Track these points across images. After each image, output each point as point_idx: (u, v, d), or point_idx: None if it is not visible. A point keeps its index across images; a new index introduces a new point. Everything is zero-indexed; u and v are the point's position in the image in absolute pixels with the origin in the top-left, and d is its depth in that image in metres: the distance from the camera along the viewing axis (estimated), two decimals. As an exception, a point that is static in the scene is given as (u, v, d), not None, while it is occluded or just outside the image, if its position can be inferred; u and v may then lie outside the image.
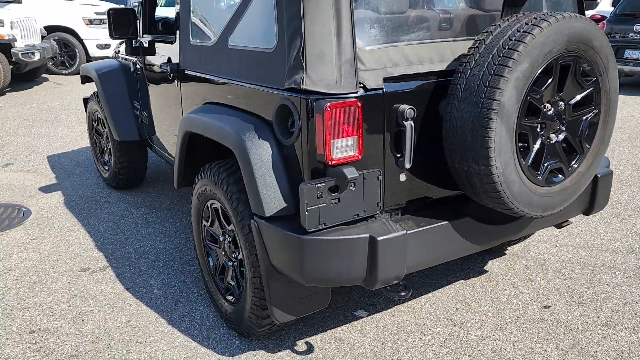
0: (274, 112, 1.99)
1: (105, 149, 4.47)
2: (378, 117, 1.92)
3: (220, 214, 2.45)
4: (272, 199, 2.00)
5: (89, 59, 10.56)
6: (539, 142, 1.99)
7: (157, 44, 3.26)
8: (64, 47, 10.30)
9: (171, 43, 2.93)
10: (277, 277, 2.09)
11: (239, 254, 2.39)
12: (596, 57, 1.98)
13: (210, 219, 2.59)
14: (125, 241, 3.56)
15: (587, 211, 2.55)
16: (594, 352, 2.42)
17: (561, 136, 2.04)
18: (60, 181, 4.72)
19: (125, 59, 4.04)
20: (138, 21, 3.40)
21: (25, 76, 9.35)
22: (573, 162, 2.09)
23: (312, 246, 1.88)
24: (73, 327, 2.64)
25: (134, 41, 3.46)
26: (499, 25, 1.91)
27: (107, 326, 2.64)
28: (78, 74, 10.57)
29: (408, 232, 1.95)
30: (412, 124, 1.92)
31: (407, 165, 1.97)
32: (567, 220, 2.61)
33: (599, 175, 2.47)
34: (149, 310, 2.78)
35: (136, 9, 3.48)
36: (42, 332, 2.61)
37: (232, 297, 2.53)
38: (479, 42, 1.92)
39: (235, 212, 2.22)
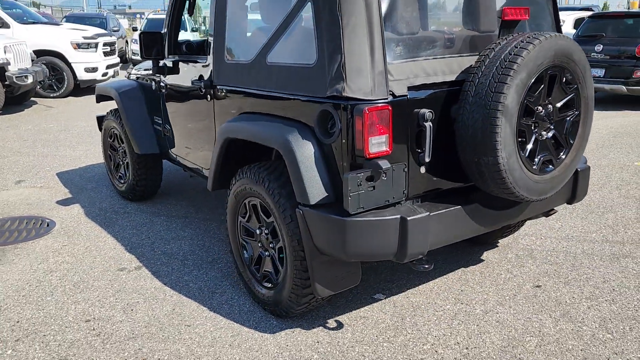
0: (316, 117, 2.38)
1: (122, 163, 4.77)
2: (403, 119, 2.33)
3: (259, 209, 2.81)
4: (316, 189, 2.38)
5: (76, 82, 10.81)
6: (533, 137, 2.42)
7: (181, 64, 3.63)
8: (52, 70, 10.52)
9: (203, 62, 3.30)
10: (319, 257, 2.46)
11: (278, 242, 2.74)
12: (576, 68, 2.45)
13: (247, 215, 2.94)
14: (152, 245, 3.86)
15: (570, 200, 3.00)
16: (581, 319, 2.85)
17: (550, 133, 2.49)
18: (75, 195, 4.98)
19: (143, 78, 4.37)
20: (164, 43, 3.75)
21: (15, 99, 9.53)
22: (560, 154, 2.54)
23: (354, 226, 2.26)
24: (124, 315, 2.94)
25: (160, 61, 3.80)
26: (499, 43, 2.36)
27: (155, 314, 2.95)
28: (66, 96, 10.83)
29: (430, 214, 2.35)
30: (431, 125, 2.34)
31: (427, 160, 2.38)
32: (554, 209, 3.05)
33: (579, 170, 2.92)
34: (189, 300, 3.09)
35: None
36: (97, 320, 2.90)
37: (269, 284, 2.88)
38: (483, 56, 2.36)
39: (277, 205, 2.58)
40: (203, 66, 3.30)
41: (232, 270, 3.45)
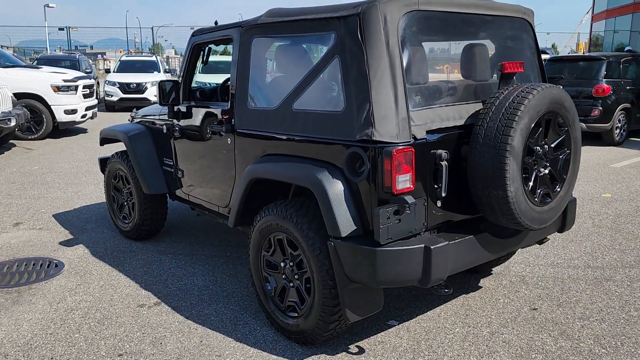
0: (345, 158, 2.66)
1: (126, 204, 4.92)
2: (423, 158, 2.63)
3: (285, 243, 3.04)
4: (346, 223, 2.64)
5: (54, 124, 10.85)
6: (534, 174, 2.77)
7: (197, 109, 3.88)
8: (31, 113, 10.54)
9: (224, 107, 3.56)
10: (349, 285, 2.70)
11: (304, 274, 2.97)
12: (567, 114, 2.82)
13: (272, 249, 3.16)
14: (165, 281, 4.01)
15: (561, 229, 3.34)
16: (577, 337, 3.15)
17: (547, 170, 2.84)
18: (76, 236, 5.08)
19: (152, 122, 4.59)
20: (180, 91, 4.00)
21: (-6, 142, 9.50)
22: (556, 187, 2.89)
23: (384, 255, 2.53)
24: (154, 348, 3.08)
25: (175, 107, 4.04)
26: (502, 92, 2.72)
27: (184, 346, 3.10)
28: (44, 138, 10.83)
29: (449, 243, 2.64)
30: (446, 164, 2.65)
31: (444, 194, 2.68)
32: (547, 237, 3.39)
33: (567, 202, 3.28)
34: (214, 332, 3.25)
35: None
36: (130, 354, 3.02)
37: (294, 313, 3.08)
38: (489, 104, 2.70)
39: (306, 239, 2.82)
40: (223, 111, 3.56)
41: (249, 303, 3.63)
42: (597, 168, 7.96)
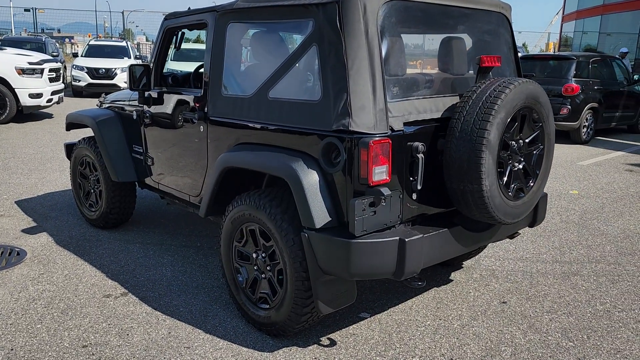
0: (321, 148, 2.62)
1: (92, 191, 4.77)
2: (400, 150, 2.61)
3: (258, 234, 2.99)
4: (320, 214, 2.60)
5: (18, 108, 10.49)
6: (508, 168, 2.77)
7: (168, 95, 3.77)
8: (-7, 96, 10.17)
9: (197, 94, 3.47)
10: (322, 277, 2.66)
11: (277, 265, 2.92)
12: (542, 109, 2.84)
13: (244, 240, 3.10)
14: (133, 272, 3.91)
15: (532, 224, 3.38)
16: (545, 330, 3.19)
17: (521, 165, 2.85)
18: (40, 223, 4.91)
19: (121, 108, 4.46)
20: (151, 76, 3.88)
21: (-46, 125, 9.13)
22: (529, 182, 2.91)
23: (358, 248, 2.50)
24: (121, 340, 2.99)
25: (145, 92, 3.92)
26: (479, 86, 2.71)
27: (151, 337, 3.02)
28: (7, 122, 10.46)
29: (424, 236, 2.63)
30: (423, 156, 2.63)
31: (419, 187, 2.67)
32: (518, 232, 3.42)
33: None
34: (183, 323, 3.18)
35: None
36: (95, 345, 2.93)
37: (266, 305, 3.04)
38: (466, 98, 2.69)
39: (279, 229, 2.77)
40: (196, 98, 3.47)
41: (219, 294, 3.57)
42: (565, 165, 8.12)
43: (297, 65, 2.81)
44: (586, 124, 10.31)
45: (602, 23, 22.01)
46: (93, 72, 15.90)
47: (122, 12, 36.95)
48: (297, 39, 2.85)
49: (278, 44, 3.09)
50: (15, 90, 10.30)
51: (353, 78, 2.53)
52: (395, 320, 3.28)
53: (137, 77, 3.77)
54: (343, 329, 3.16)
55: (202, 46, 19.43)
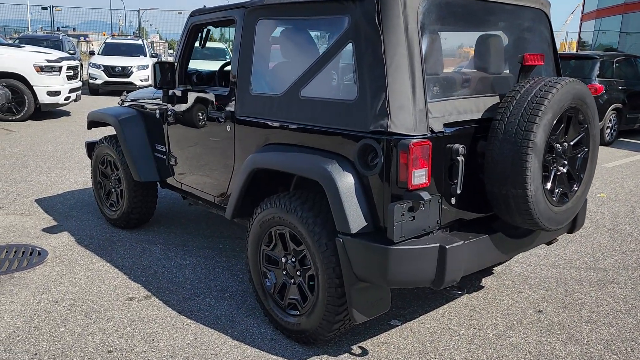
0: (357, 150, 2.51)
1: (114, 191, 4.70)
2: (440, 153, 2.49)
3: (288, 238, 2.88)
4: (356, 219, 2.49)
5: (36, 105, 10.50)
6: (553, 172, 2.64)
7: (193, 94, 3.69)
8: (12, 93, 10.18)
9: (223, 93, 3.37)
10: (357, 284, 2.55)
11: (308, 270, 2.81)
12: (588, 110, 2.70)
13: (272, 243, 3.00)
14: (156, 274, 3.83)
15: (571, 230, 3.24)
16: (586, 342, 3.05)
17: (565, 168, 2.71)
18: (61, 223, 4.85)
19: (142, 106, 4.38)
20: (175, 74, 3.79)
21: (-26, 122, 9.15)
22: (573, 187, 2.77)
23: (397, 254, 2.38)
24: (147, 345, 2.91)
25: (169, 91, 3.83)
26: (523, 86, 2.58)
27: (177, 343, 2.93)
28: (26, 120, 10.48)
29: (464, 242, 2.51)
30: (463, 159, 2.51)
31: (459, 191, 2.54)
32: (556, 238, 3.28)
33: (579, 202, 3.17)
34: (209, 329, 3.09)
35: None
36: (120, 351, 2.85)
37: (295, 311, 2.93)
38: (509, 97, 2.57)
39: (311, 234, 2.67)
40: (223, 97, 3.37)
41: (245, 298, 3.47)
42: (590, 167, 7.92)
43: (331, 63, 2.69)
44: (610, 125, 10.09)
45: (623, 22, 21.62)
46: (109, 70, 15.94)
47: (138, 11, 37.08)
48: (331, 35, 2.74)
49: (310, 41, 2.98)
50: (34, 87, 10.31)
51: (392, 76, 2.41)
52: (428, 328, 3.16)
53: (162, 75, 3.69)
54: (374, 337, 3.05)
55: (215, 45, 19.41)
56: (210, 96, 3.51)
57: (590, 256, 4.35)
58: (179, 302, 3.40)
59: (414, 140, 2.35)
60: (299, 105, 2.83)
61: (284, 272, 2.99)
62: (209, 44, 15.24)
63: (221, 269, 3.94)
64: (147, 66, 16.55)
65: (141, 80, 16.22)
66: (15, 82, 10.16)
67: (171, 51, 64.31)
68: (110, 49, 17.37)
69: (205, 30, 3.88)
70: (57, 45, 16.71)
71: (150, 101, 4.29)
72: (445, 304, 3.46)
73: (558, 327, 3.20)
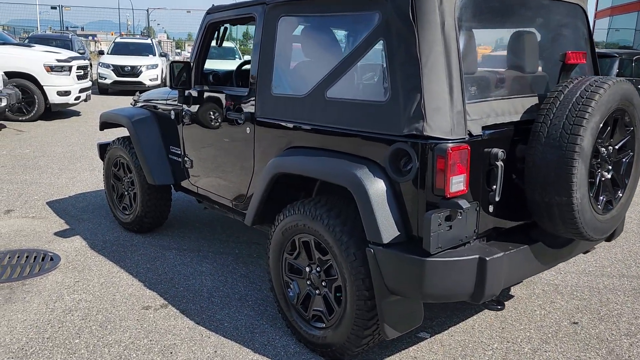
0: (388, 154, 2.35)
1: (126, 194, 4.58)
2: (478, 158, 2.33)
3: (313, 247, 2.73)
4: (388, 228, 2.33)
5: (46, 105, 10.42)
6: (597, 178, 2.48)
7: (211, 94, 3.54)
8: (22, 93, 10.10)
9: (242, 93, 3.23)
10: (389, 297, 2.40)
11: (334, 281, 2.66)
12: (634, 112, 2.53)
13: (296, 252, 2.85)
14: (171, 281, 3.69)
15: (610, 238, 3.06)
16: (627, 356, 2.88)
17: (610, 174, 2.55)
18: (72, 226, 4.73)
19: (155, 107, 4.25)
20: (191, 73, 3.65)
21: (-16, 123, 9.08)
22: (618, 193, 2.60)
23: (433, 267, 2.23)
24: (164, 359, 2.77)
25: (185, 91, 3.69)
26: (566, 86, 2.42)
27: (197, 357, 2.79)
28: (36, 120, 10.40)
29: (505, 253, 2.35)
30: (502, 164, 2.35)
31: (497, 198, 2.38)
32: (593, 247, 3.11)
33: (618, 208, 3.00)
34: (229, 341, 2.95)
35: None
36: (137, 365, 2.71)
37: (320, 323, 2.78)
38: (552, 99, 2.40)
39: (338, 243, 2.52)
40: (242, 97, 3.23)
41: (264, 307, 3.33)
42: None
43: (359, 62, 2.54)
44: (629, 124, 9.84)
45: (639, 20, 21.28)
46: (119, 70, 15.87)
47: (147, 10, 37.08)
48: (359, 33, 2.58)
49: (335, 39, 2.83)
50: (44, 87, 10.24)
51: (427, 76, 2.25)
52: (459, 341, 3.00)
53: (177, 75, 3.55)
54: (403, 351, 2.89)
55: (226, 44, 19.27)
56: (229, 97, 3.37)
57: (622, 263, 4.17)
58: (196, 312, 3.26)
59: (452, 145, 2.20)
60: (324, 107, 2.68)
61: (307, 282, 2.84)
62: (226, 44, 15.12)
63: (239, 276, 3.80)
64: (157, 65, 16.47)
65: (150, 80, 16.14)
66: (25, 81, 10.08)
67: (179, 50, 64.37)
68: (119, 49, 17.30)
69: (222, 28, 3.73)
70: (66, 44, 16.64)
71: (164, 102, 4.15)
72: (474, 314, 3.30)
73: (596, 341, 3.03)
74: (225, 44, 18.37)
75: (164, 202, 4.42)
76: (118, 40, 18.48)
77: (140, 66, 16.00)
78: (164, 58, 18.60)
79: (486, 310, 3.35)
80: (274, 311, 3.27)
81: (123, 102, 14.08)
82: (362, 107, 2.50)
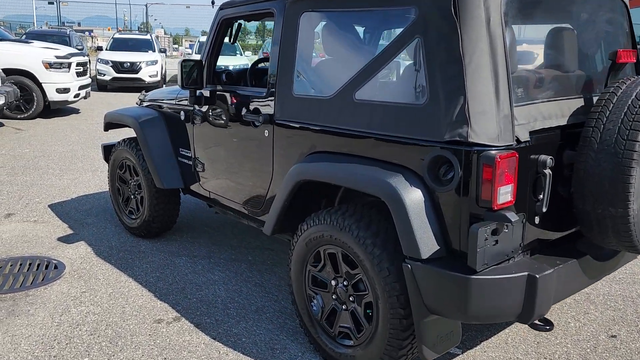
0: (427, 162, 2.17)
1: (133, 197, 4.38)
2: (526, 166, 2.15)
3: (340, 259, 2.55)
4: (427, 242, 2.15)
5: (45, 103, 10.20)
6: (652, 187, 2.29)
7: (224, 95, 3.35)
8: (20, 90, 9.88)
9: (260, 94, 3.04)
10: (428, 316, 2.22)
11: (364, 297, 2.48)
12: (688, 115, 2.34)
13: (320, 264, 2.67)
14: (183, 290, 3.50)
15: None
16: (672, 373, 2.71)
17: (661, 181, 2.36)
18: (76, 231, 4.54)
19: (167, 107, 4.05)
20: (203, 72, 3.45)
21: (-19, 121, 8.86)
22: (670, 203, 2.42)
23: (480, 285, 2.04)
24: (181, 380, 2.59)
25: (197, 91, 3.49)
26: (619, 87, 2.23)
27: (215, 377, 2.61)
28: (34, 118, 10.18)
29: (555, 269, 2.16)
30: (550, 172, 2.17)
31: (544, 209, 2.20)
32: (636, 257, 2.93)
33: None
34: (249, 358, 2.76)
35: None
36: (152, 387, 2.53)
37: (348, 341, 2.60)
38: (604, 101, 2.21)
39: (370, 256, 2.33)
40: (260, 98, 3.04)
41: (283, 320, 3.14)
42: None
43: (393, 61, 2.35)
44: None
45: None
46: (118, 66, 15.64)
47: (146, 5, 36.75)
48: (392, 30, 2.39)
49: (365, 37, 2.64)
50: (42, 84, 10.01)
51: (471, 77, 2.06)
52: (493, 358, 2.82)
53: (188, 74, 3.35)
54: (434, 369, 2.71)
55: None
56: (245, 97, 3.17)
57: (652, 269, 4.00)
58: (212, 326, 3.08)
59: (501, 152, 2.01)
60: (352, 109, 2.49)
61: (333, 297, 2.66)
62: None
63: (253, 285, 3.61)
64: (156, 62, 16.24)
65: (150, 76, 15.92)
66: (23, 79, 9.86)
67: (176, 46, 63.98)
68: (118, 45, 17.06)
69: (236, 24, 3.53)
70: (64, 40, 16.38)
71: (173, 102, 3.96)
72: (505, 327, 3.12)
73: (638, 356, 2.85)
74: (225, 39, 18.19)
75: (173, 206, 4.23)
76: (117, 35, 18.24)
77: (140, 62, 15.76)
78: (164, 54, 18.35)
79: (518, 323, 3.17)
80: (294, 324, 3.09)
81: (122, 99, 13.86)
82: (396, 111, 2.31)
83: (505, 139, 2.07)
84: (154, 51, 17.15)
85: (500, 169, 2.01)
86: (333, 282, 2.63)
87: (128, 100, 13.55)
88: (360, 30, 2.72)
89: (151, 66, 15.97)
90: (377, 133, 2.38)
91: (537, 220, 2.26)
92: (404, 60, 2.31)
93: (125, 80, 15.66)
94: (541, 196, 2.20)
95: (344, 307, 2.61)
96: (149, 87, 15.91)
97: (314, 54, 2.80)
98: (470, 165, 2.05)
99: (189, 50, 22.76)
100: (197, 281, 3.65)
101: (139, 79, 15.69)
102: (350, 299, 2.56)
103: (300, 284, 2.78)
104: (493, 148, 2.04)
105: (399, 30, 2.30)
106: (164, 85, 17.35)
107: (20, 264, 3.86)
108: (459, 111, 2.08)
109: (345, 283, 2.57)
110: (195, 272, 3.80)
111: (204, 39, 19.01)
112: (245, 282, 3.66)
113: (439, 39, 2.14)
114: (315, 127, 2.68)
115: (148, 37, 18.43)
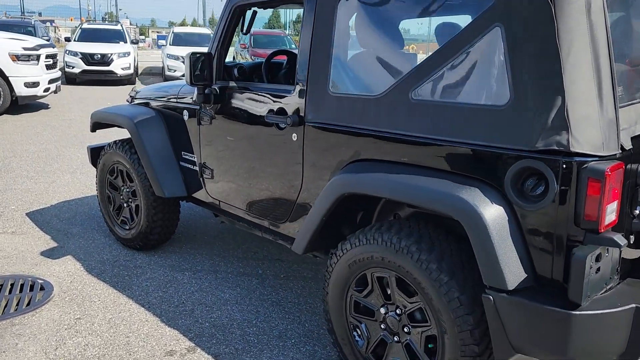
0: (511, 175, 1.83)
1: (125, 205, 3.94)
2: (627, 178, 1.83)
3: (394, 285, 2.20)
4: (513, 270, 1.82)
5: (13, 98, 9.51)
6: None
7: (240, 92, 2.95)
8: (-15, 85, 9.20)
9: (287, 92, 2.65)
10: (511, 355, 1.89)
11: (425, 328, 2.14)
12: None
13: (367, 289, 2.31)
14: (192, 314, 3.10)
15: None
16: None
17: None
18: (61, 244, 4.07)
19: (165, 106, 3.62)
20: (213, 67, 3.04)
21: (-57, 118, 8.17)
22: None
23: (583, 322, 1.73)
24: None
25: (206, 88, 3.08)
26: None
27: None
28: (1, 115, 9.50)
29: (661, 298, 1.86)
30: (651, 184, 1.86)
31: (642, 227, 1.90)
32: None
33: None
34: (282, 398, 2.40)
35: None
36: None
37: (402, 378, 2.26)
38: None
39: (436, 284, 1.99)
40: (286, 97, 2.65)
41: (313, 347, 2.78)
42: None
43: (464, 54, 1.99)
44: None
45: None
46: (88, 58, 14.87)
47: (112, -5, 35.43)
48: (462, 16, 2.04)
49: (423, 25, 2.28)
50: (9, 78, 9.32)
51: (570, 74, 1.73)
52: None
53: (196, 68, 2.93)
54: (494, 404, 2.39)
55: (201, 30, 18.40)
56: (266, 95, 2.78)
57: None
58: (232, 357, 2.69)
59: (610, 164, 1.68)
60: (409, 111, 2.13)
61: (382, 326, 2.31)
62: (200, 30, 14.32)
63: (269, 304, 3.24)
64: (129, 53, 15.51)
65: (122, 69, 15.20)
66: (-13, 72, 9.16)
67: (142, 37, 62.22)
68: (87, 35, 16.23)
69: (251, 11, 3.12)
70: (29, 31, 15.51)
71: (174, 99, 3.53)
72: None
73: None
74: (201, 30, 17.51)
75: (173, 215, 3.81)
76: (85, 26, 17.39)
77: (111, 54, 15.03)
78: (136, 45, 17.60)
79: None
80: (325, 352, 2.73)
81: (95, 93, 13.18)
82: (468, 113, 1.96)
83: (610, 148, 1.75)
84: (126, 42, 16.39)
85: (609, 184, 1.68)
86: (382, 310, 2.28)
87: (101, 94, 12.89)
88: (419, 18, 2.36)
89: (123, 58, 15.24)
90: (442, 139, 2.03)
91: (632, 240, 1.96)
92: (479, 53, 1.96)
93: (96, 73, 14.91)
94: (637, 211, 1.89)
95: (395, 338, 2.26)
96: (121, 80, 15.22)
97: (355, 47, 2.43)
98: (569, 179, 1.72)
99: (163, 42, 21.90)
100: (206, 301, 3.25)
101: (111, 72, 14.96)
102: (405, 329, 2.22)
103: (340, 310, 2.42)
104: (600, 159, 1.71)
105: (473, 17, 1.95)
106: (137, 79, 16.64)
107: (1, 285, 3.39)
108: (555, 115, 1.74)
109: (397, 312, 2.22)
110: (202, 289, 3.39)
111: (178, 30, 18.28)
112: (260, 300, 3.27)
113: (526, 28, 1.80)
114: (359, 131, 2.32)
115: (119, 27, 17.62)
